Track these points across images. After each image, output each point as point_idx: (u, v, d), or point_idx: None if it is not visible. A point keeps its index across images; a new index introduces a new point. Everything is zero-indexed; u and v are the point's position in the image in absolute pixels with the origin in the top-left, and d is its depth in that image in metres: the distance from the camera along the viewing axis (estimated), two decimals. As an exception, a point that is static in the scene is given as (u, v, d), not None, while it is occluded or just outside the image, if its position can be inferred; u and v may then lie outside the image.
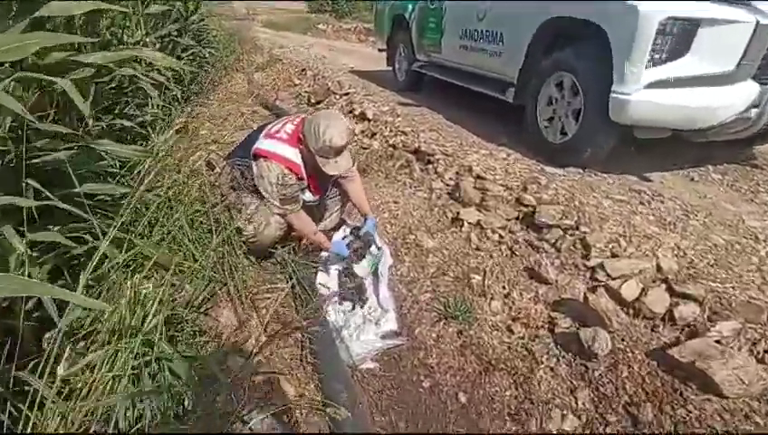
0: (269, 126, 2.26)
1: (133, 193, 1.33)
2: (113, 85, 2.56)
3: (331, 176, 2.21)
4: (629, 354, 1.66)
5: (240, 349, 1.85)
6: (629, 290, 1.84)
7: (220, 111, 4.50)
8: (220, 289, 2.10)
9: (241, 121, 3.86)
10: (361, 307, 2.10)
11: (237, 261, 2.15)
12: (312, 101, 5.62)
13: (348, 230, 2.40)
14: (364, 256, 2.20)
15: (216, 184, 2.29)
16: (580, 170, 2.93)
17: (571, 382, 1.69)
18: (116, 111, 2.67)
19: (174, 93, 3.36)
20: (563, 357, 1.78)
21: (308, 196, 2.31)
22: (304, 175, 2.17)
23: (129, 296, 1.34)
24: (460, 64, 4.28)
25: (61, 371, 0.88)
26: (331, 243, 2.24)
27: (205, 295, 2.01)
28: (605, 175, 2.88)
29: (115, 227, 1.22)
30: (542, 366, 1.77)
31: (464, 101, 4.63)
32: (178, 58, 4.77)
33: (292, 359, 1.86)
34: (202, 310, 2.01)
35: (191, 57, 5.20)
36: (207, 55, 5.92)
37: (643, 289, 1.84)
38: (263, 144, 2.13)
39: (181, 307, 1.83)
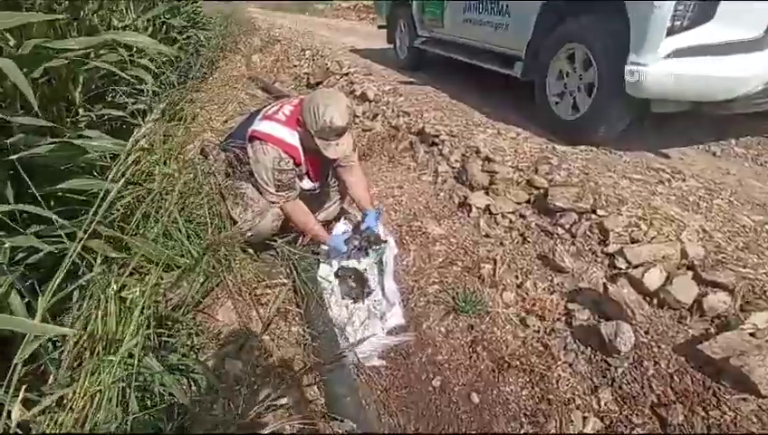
0: (266, 108, 2.14)
1: (104, 188, 1.21)
2: (102, 72, 2.43)
3: (332, 161, 2.09)
4: (655, 349, 1.54)
5: (239, 351, 1.77)
6: (652, 278, 1.71)
7: (217, 96, 4.37)
8: (217, 285, 2.01)
9: (235, 105, 3.73)
10: (363, 301, 2.00)
11: (235, 255, 2.05)
12: (312, 82, 5.48)
13: (349, 225, 2.27)
14: (366, 254, 2.07)
15: (211, 172, 2.17)
16: (594, 148, 2.78)
17: (592, 381, 1.58)
18: (107, 100, 2.55)
19: (170, 79, 3.23)
20: (582, 353, 1.66)
21: (306, 183, 2.19)
22: (302, 159, 2.06)
23: (112, 306, 1.24)
24: (464, 39, 4.10)
25: (15, 413, 0.77)
26: (329, 236, 2.12)
27: (201, 293, 1.91)
28: (621, 153, 2.72)
29: (91, 223, 1.10)
30: (560, 363, 1.66)
31: (469, 77, 4.45)
32: (173, 41, 4.62)
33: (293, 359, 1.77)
34: (199, 308, 1.93)
35: (186, 40, 5.05)
36: (203, 39, 5.76)
37: (667, 277, 1.71)
38: (259, 126, 2.01)
39: (176, 307, 1.74)
